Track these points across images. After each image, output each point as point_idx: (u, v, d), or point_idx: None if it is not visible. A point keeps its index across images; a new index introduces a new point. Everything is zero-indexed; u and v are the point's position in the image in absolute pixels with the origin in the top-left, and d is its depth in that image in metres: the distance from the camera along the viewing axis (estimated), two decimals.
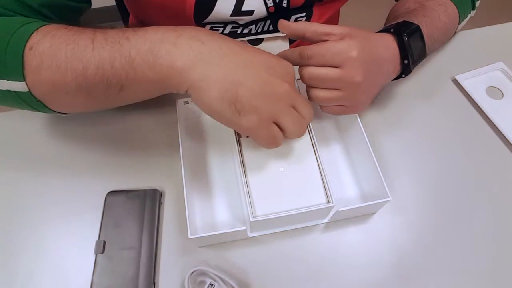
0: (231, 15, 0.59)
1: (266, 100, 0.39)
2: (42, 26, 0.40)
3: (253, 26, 0.64)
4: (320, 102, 0.47)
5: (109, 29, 0.39)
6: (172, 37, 0.37)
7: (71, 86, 0.39)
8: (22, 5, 0.43)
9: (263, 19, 0.63)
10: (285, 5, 0.59)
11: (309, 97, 0.47)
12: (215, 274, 0.43)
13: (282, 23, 0.47)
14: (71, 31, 0.39)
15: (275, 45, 0.50)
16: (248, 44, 0.42)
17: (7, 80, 0.40)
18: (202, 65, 0.37)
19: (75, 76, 0.38)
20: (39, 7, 0.44)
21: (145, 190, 0.50)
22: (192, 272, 0.44)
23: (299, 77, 0.47)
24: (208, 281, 0.44)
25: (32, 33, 0.39)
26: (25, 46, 0.38)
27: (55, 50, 0.38)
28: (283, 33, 0.47)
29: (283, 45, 0.50)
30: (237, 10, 0.58)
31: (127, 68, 0.37)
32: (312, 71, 0.45)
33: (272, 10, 0.59)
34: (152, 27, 0.39)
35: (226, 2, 0.57)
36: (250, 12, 0.59)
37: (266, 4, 0.58)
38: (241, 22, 0.62)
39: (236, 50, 0.39)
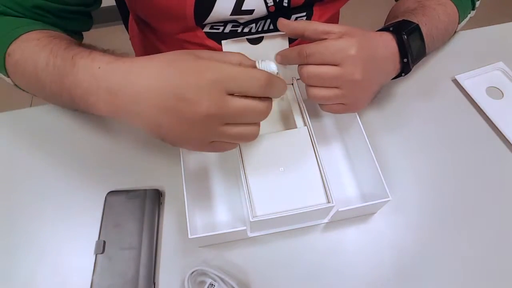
0: (231, 14, 0.59)
1: (190, 133, 0.38)
2: (25, 33, 0.47)
3: (253, 25, 0.64)
4: (320, 101, 0.47)
5: (62, 49, 0.44)
6: (94, 88, 0.40)
7: (38, 94, 0.49)
8: (18, 5, 0.49)
9: (264, 18, 0.63)
10: (285, 4, 0.59)
11: (309, 96, 0.47)
12: (215, 274, 0.43)
13: (281, 21, 0.47)
14: (36, 46, 0.45)
15: (275, 43, 0.50)
16: (152, 65, 0.38)
17: (1, 73, 0.50)
18: (123, 115, 0.39)
19: (36, 90, 0.48)
20: (32, 8, 0.49)
21: (145, 190, 0.50)
22: (192, 272, 0.44)
23: (299, 76, 0.47)
24: (208, 281, 0.44)
25: (13, 41, 0.46)
26: (5, 52, 0.47)
27: (22, 64, 0.46)
28: (283, 31, 0.48)
29: (283, 44, 0.50)
30: (237, 9, 0.58)
31: (71, 102, 0.43)
32: (311, 69, 0.45)
33: (272, 9, 0.59)
34: (82, 62, 0.41)
35: (226, 1, 0.57)
36: (250, 11, 0.59)
37: (266, 3, 0.59)
38: (241, 21, 0.62)
39: (150, 93, 0.37)
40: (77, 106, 0.43)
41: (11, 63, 0.47)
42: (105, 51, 0.44)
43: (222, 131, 0.37)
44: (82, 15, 0.56)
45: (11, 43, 0.46)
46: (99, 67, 0.39)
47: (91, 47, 0.45)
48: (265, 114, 0.39)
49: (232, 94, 0.36)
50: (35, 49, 0.45)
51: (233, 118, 0.37)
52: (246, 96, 0.37)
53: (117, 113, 0.39)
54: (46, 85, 0.45)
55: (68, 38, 0.49)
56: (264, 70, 0.39)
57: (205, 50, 0.38)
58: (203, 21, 0.61)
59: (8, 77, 0.49)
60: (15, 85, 0.51)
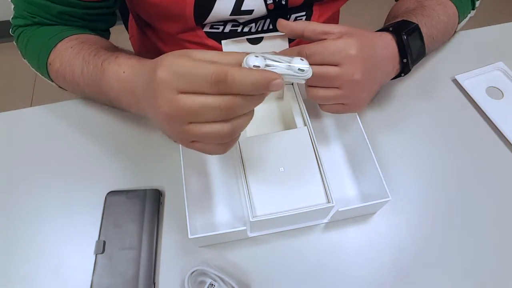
0: (230, 14, 0.59)
1: (172, 133, 0.38)
2: (59, 41, 0.52)
3: (253, 25, 0.64)
4: (320, 101, 0.47)
5: (92, 55, 0.49)
6: (123, 94, 0.44)
7: (81, 95, 0.58)
8: (47, 13, 0.53)
9: (263, 17, 0.63)
10: (284, 3, 0.59)
11: (309, 96, 0.47)
12: (215, 274, 0.43)
13: (281, 22, 0.47)
14: (71, 54, 0.50)
15: (274, 44, 0.50)
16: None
17: (45, 78, 0.56)
18: (148, 116, 0.41)
19: (79, 92, 0.55)
20: (59, 15, 0.53)
21: (145, 190, 0.50)
22: (192, 272, 0.44)
23: None
24: (208, 281, 0.44)
25: (51, 50, 0.52)
26: (47, 61, 0.53)
27: (62, 72, 0.52)
28: (282, 32, 0.48)
29: (282, 44, 0.50)
30: (237, 9, 0.58)
31: (112, 103, 0.50)
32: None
33: (271, 7, 0.59)
34: (110, 69, 0.46)
35: (225, 1, 0.57)
36: (250, 11, 0.59)
37: (265, 2, 0.59)
38: (241, 21, 0.62)
39: (152, 109, 0.38)
40: (115, 106, 0.50)
41: (53, 71, 0.53)
42: (130, 53, 0.49)
43: (188, 130, 0.36)
44: (106, 15, 0.59)
45: (50, 53, 0.52)
46: (123, 72, 0.44)
47: (117, 50, 0.50)
48: (226, 111, 0.34)
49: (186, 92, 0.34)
50: (70, 57, 0.50)
51: (191, 117, 0.35)
52: (203, 93, 0.34)
53: (144, 114, 0.42)
54: (85, 89, 0.51)
55: (97, 42, 0.54)
56: (218, 65, 0.33)
57: (203, 50, 0.37)
58: (203, 21, 0.61)
59: (53, 81, 0.56)
60: (60, 87, 0.57)
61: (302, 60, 0.36)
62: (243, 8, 0.58)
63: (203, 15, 0.59)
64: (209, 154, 0.39)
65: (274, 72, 0.33)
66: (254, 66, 0.34)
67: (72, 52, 0.50)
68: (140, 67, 0.42)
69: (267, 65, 0.34)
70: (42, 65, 0.53)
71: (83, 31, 0.55)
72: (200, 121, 0.35)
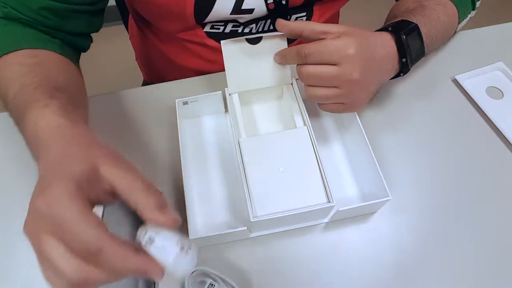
0: (231, 13, 0.59)
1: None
2: (13, 51, 0.46)
3: (254, 25, 0.64)
4: (318, 100, 0.47)
5: (31, 88, 0.41)
6: (30, 145, 0.38)
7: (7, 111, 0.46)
8: (23, 6, 0.48)
9: (264, 18, 0.63)
10: (284, 2, 0.59)
11: (307, 95, 0.47)
12: (215, 275, 0.43)
13: (280, 22, 0.47)
14: (16, 73, 0.44)
15: (273, 44, 0.50)
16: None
17: None
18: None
19: (6, 111, 0.45)
20: (39, 10, 0.48)
21: None
22: (193, 272, 0.44)
23: (298, 76, 0.47)
24: (208, 281, 0.44)
25: (1, 56, 0.46)
26: None
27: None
28: (281, 32, 0.48)
29: (281, 44, 0.50)
30: (237, 8, 0.58)
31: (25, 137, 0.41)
32: (309, 69, 0.45)
33: (271, 6, 0.59)
34: (30, 117, 0.38)
35: (225, 0, 0.57)
36: (250, 11, 0.59)
37: (266, 1, 0.59)
38: (241, 21, 0.62)
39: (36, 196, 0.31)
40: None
41: None
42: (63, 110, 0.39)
43: (42, 239, 0.30)
44: (89, 15, 0.54)
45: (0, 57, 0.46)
46: (42, 129, 0.37)
47: (55, 95, 0.41)
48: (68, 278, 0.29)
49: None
50: (13, 75, 0.44)
51: (54, 233, 0.29)
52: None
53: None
54: (12, 114, 0.44)
55: (48, 70, 0.46)
56: (98, 233, 0.28)
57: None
58: (203, 20, 0.61)
59: None
60: None
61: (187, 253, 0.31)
62: (244, 7, 0.58)
63: (203, 13, 0.59)
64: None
65: (156, 265, 0.30)
66: (140, 243, 0.30)
67: (18, 71, 0.44)
68: (53, 146, 0.35)
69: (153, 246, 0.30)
70: None
71: (50, 45, 0.49)
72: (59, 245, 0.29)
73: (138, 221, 0.36)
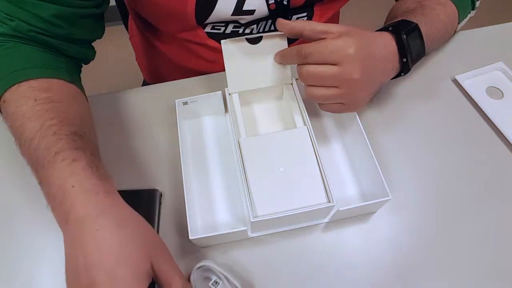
0: (232, 14, 0.59)
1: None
2: (27, 80, 0.44)
3: (255, 26, 0.64)
4: (318, 100, 0.47)
5: (51, 133, 0.41)
6: (56, 202, 0.38)
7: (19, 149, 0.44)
8: (34, 17, 0.46)
9: (264, 18, 0.63)
10: (285, 3, 0.59)
11: (307, 95, 0.47)
12: (221, 273, 0.43)
13: (280, 21, 0.47)
14: (31, 110, 0.42)
15: (274, 43, 0.50)
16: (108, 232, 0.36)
17: None
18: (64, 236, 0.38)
19: (18, 148, 0.44)
20: (50, 18, 0.47)
21: (145, 190, 0.50)
22: (199, 267, 0.44)
23: (298, 76, 0.47)
24: (213, 278, 0.44)
25: (13, 85, 0.44)
26: (2, 94, 0.44)
27: (12, 120, 0.43)
28: (282, 31, 0.48)
29: (282, 44, 0.50)
30: (238, 9, 0.58)
31: (39, 183, 0.41)
32: (309, 69, 0.45)
33: (273, 7, 0.59)
34: (59, 169, 0.39)
35: (227, 1, 0.57)
36: (251, 12, 0.59)
37: (267, 2, 0.59)
38: (242, 22, 0.62)
39: (80, 244, 0.36)
40: (42, 189, 0.41)
41: (4, 110, 0.45)
42: (93, 156, 0.41)
43: None
44: (93, 20, 0.54)
45: (8, 88, 0.44)
46: (72, 186, 0.38)
47: (79, 141, 0.42)
48: None
49: None
50: (28, 113, 0.42)
51: None
52: None
53: (63, 233, 0.39)
54: (24, 156, 0.43)
55: (67, 110, 0.45)
56: None
57: None
58: (204, 21, 0.61)
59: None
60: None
61: None
62: (245, 7, 0.58)
63: (204, 14, 0.59)
64: None
65: None
66: None
67: (33, 108, 0.43)
68: (91, 205, 0.37)
69: None
70: None
71: (59, 72, 0.48)
72: None
73: None
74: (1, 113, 0.46)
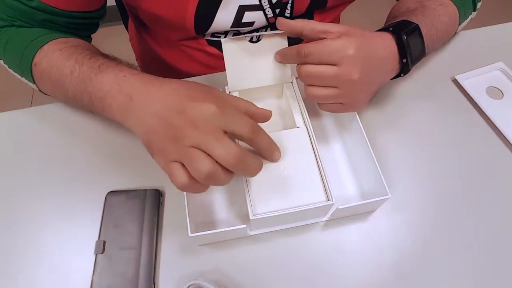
0: (231, 27, 0.59)
1: (168, 144, 0.38)
2: (46, 43, 0.50)
3: (254, 34, 0.64)
4: (318, 100, 0.47)
5: (87, 58, 0.47)
6: (114, 92, 0.42)
7: (61, 98, 0.55)
8: (31, 20, 0.52)
9: (264, 27, 0.63)
10: (287, 15, 0.59)
11: (307, 95, 0.47)
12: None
13: (280, 20, 0.47)
14: (61, 56, 0.49)
15: (274, 42, 0.50)
16: (173, 82, 0.41)
17: (25, 79, 0.54)
18: (128, 118, 0.42)
19: (60, 94, 0.51)
20: (43, 22, 0.52)
21: (145, 190, 0.50)
22: (189, 286, 0.43)
23: (297, 75, 0.47)
24: None
25: (37, 51, 0.50)
26: (31, 62, 0.50)
27: (48, 72, 0.49)
28: (281, 30, 0.48)
29: (282, 43, 0.50)
30: (237, 22, 0.58)
31: (90, 105, 0.46)
32: (309, 69, 0.45)
33: (272, 21, 0.59)
34: (109, 71, 0.44)
35: (225, 14, 0.57)
36: (251, 23, 0.59)
37: (266, 15, 0.58)
38: (242, 31, 0.62)
39: (158, 104, 0.39)
40: (93, 109, 0.46)
41: (37, 72, 0.50)
42: (130, 65, 0.47)
43: (190, 151, 0.37)
44: (90, 24, 0.57)
45: (35, 53, 0.50)
46: (124, 76, 0.43)
47: (116, 60, 0.48)
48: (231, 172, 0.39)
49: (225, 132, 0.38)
50: (60, 58, 0.48)
51: (209, 146, 0.37)
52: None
53: (125, 116, 0.42)
54: (69, 90, 0.48)
55: (89, 47, 0.52)
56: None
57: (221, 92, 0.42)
58: (204, 32, 0.61)
59: (34, 83, 0.53)
60: (39, 90, 0.55)
61: None
62: (244, 20, 0.58)
63: (203, 27, 0.59)
64: (172, 180, 0.39)
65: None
66: None
67: (61, 54, 0.49)
68: (146, 76, 0.43)
69: None
70: (25, 66, 0.51)
71: (69, 36, 0.53)
72: (208, 153, 0.37)
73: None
74: (34, 82, 0.53)
